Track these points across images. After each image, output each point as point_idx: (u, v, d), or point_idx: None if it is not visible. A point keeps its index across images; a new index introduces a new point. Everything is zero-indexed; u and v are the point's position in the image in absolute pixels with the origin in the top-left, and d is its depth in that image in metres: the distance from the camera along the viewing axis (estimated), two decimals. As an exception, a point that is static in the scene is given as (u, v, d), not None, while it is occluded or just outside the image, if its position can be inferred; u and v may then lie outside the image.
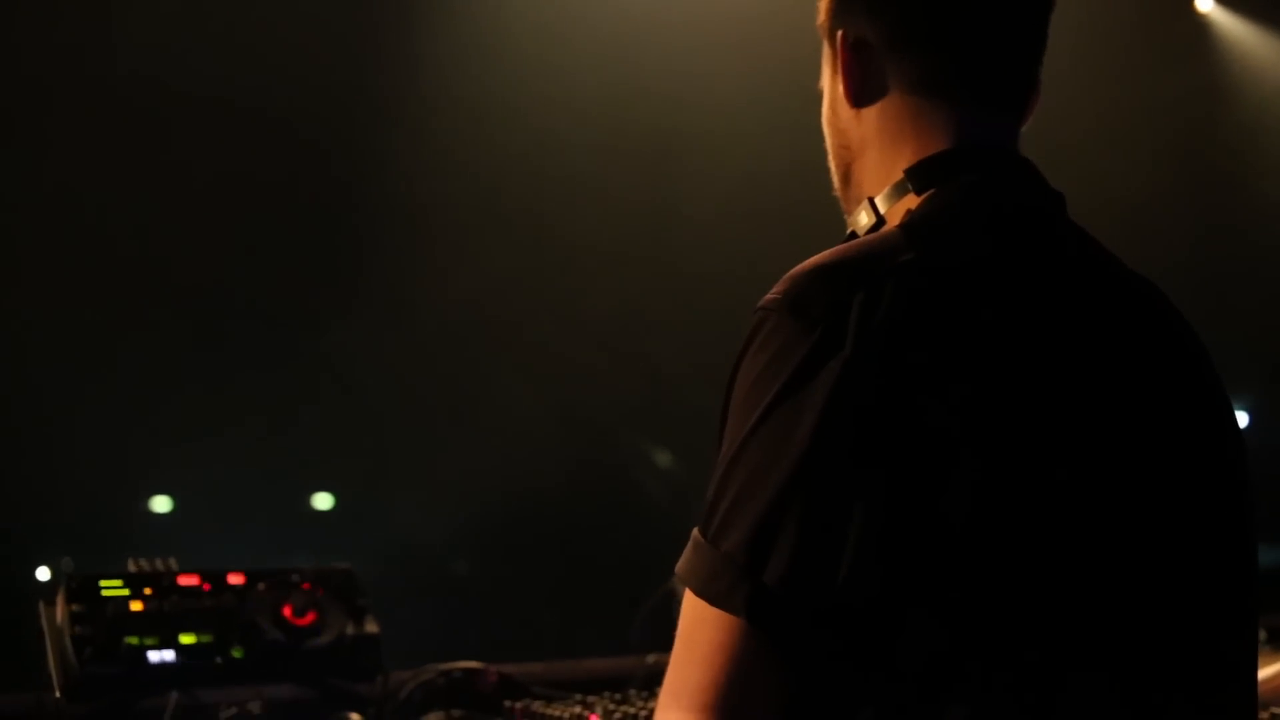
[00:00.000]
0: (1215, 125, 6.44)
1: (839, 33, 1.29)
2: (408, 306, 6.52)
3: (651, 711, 2.16)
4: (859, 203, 1.29)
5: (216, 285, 6.13)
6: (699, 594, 1.07)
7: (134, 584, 2.15)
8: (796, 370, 1.07)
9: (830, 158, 1.35)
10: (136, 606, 2.11)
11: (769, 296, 1.12)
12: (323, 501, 7.21)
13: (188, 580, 2.19)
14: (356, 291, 6.49)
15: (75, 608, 2.07)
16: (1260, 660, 1.32)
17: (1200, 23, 6.35)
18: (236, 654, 2.13)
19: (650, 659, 2.49)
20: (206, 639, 2.13)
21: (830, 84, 1.33)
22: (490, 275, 6.42)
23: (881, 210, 1.26)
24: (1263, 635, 2.42)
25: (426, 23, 5.81)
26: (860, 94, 1.28)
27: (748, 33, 5.43)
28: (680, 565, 1.10)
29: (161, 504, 6.83)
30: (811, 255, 1.15)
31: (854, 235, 1.27)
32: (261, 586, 2.21)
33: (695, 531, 1.10)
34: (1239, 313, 6.08)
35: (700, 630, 1.06)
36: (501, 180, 6.20)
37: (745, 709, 1.04)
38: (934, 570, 1.05)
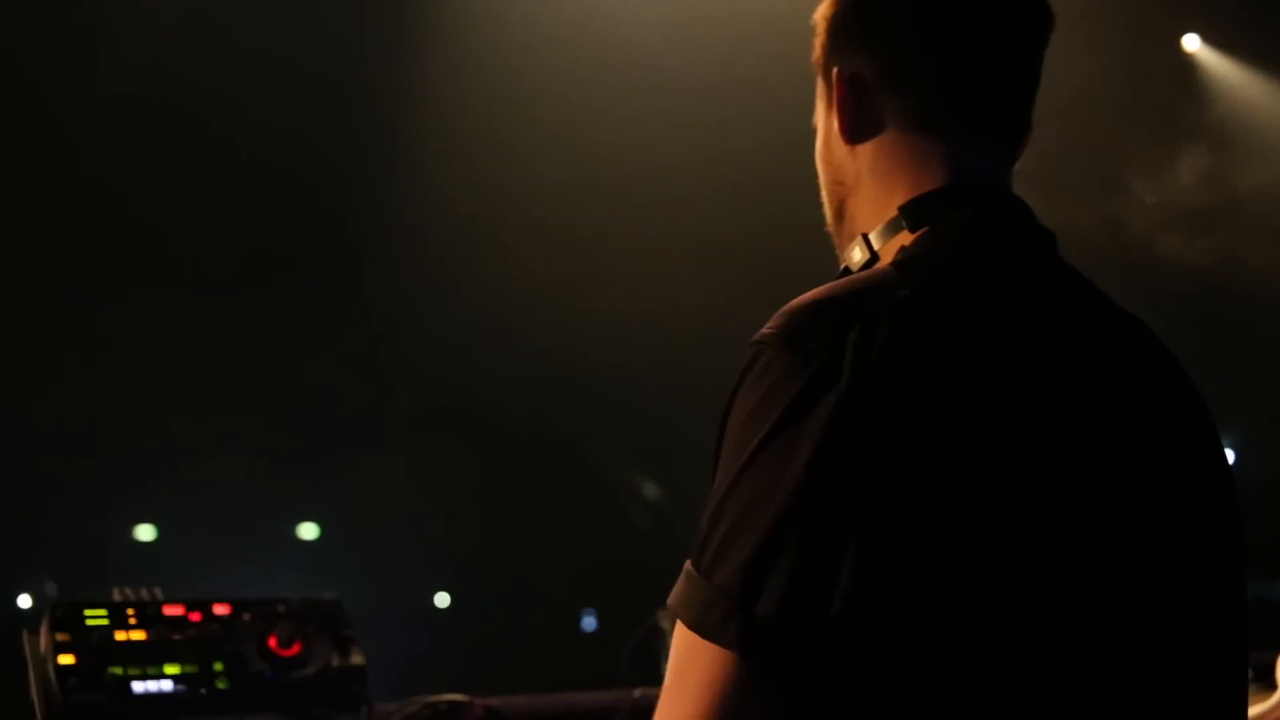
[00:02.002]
0: (1204, 161, 6.49)
1: (834, 69, 1.30)
2: (394, 339, 6.53)
3: (638, 745, 2.16)
4: (852, 239, 1.30)
5: (202, 315, 6.13)
6: (691, 627, 1.06)
7: (118, 613, 2.14)
8: (792, 404, 1.07)
9: (824, 194, 1.36)
10: (121, 636, 2.10)
11: (764, 330, 1.12)
12: (308, 532, 7.19)
13: (172, 610, 2.17)
14: (341, 324, 6.50)
15: (59, 636, 2.06)
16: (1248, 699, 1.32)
17: (1187, 62, 6.42)
18: (221, 684, 2.12)
19: (636, 692, 2.48)
20: (191, 669, 2.11)
21: (824, 120, 1.34)
22: (475, 307, 6.43)
23: (875, 247, 1.26)
24: (1249, 674, 2.41)
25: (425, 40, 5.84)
26: (855, 130, 1.29)
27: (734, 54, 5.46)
28: (672, 597, 1.10)
29: (146, 533, 6.80)
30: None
31: (847, 271, 1.28)
32: (247, 617, 2.19)
33: (688, 564, 1.10)
34: (1228, 351, 6.11)
35: (692, 663, 1.06)
36: (484, 212, 6.21)
37: None
38: (928, 604, 1.05)
